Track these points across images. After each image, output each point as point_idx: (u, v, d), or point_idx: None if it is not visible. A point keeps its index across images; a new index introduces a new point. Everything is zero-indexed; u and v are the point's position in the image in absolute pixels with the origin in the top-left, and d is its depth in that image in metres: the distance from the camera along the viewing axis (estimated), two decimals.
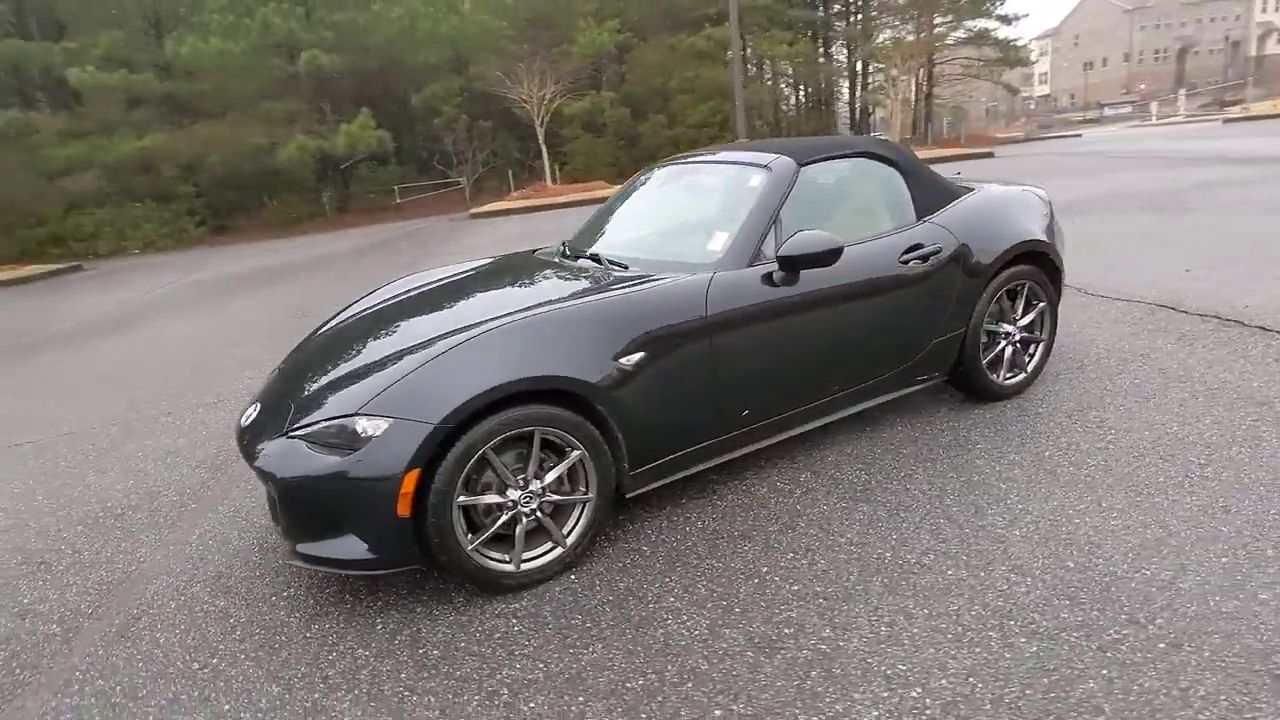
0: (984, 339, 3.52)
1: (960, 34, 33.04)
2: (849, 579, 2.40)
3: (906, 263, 3.20)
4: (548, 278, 3.25)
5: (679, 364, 2.70)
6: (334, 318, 3.55)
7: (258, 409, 2.77)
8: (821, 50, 34.46)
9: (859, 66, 34.18)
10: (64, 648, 2.50)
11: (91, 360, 7.09)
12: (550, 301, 2.74)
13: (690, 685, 2.01)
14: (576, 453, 2.54)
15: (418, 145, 27.51)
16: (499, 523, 2.48)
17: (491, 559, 2.48)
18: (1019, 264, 3.53)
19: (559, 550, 2.58)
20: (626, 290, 2.76)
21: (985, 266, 3.40)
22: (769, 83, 32.69)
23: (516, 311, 2.64)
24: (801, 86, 36.84)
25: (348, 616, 2.50)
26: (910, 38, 31.60)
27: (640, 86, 26.41)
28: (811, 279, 2.95)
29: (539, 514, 2.53)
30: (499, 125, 26.58)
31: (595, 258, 3.33)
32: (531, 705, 2.00)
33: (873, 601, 2.27)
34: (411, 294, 3.46)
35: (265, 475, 2.46)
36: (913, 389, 3.43)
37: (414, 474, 2.28)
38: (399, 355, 2.56)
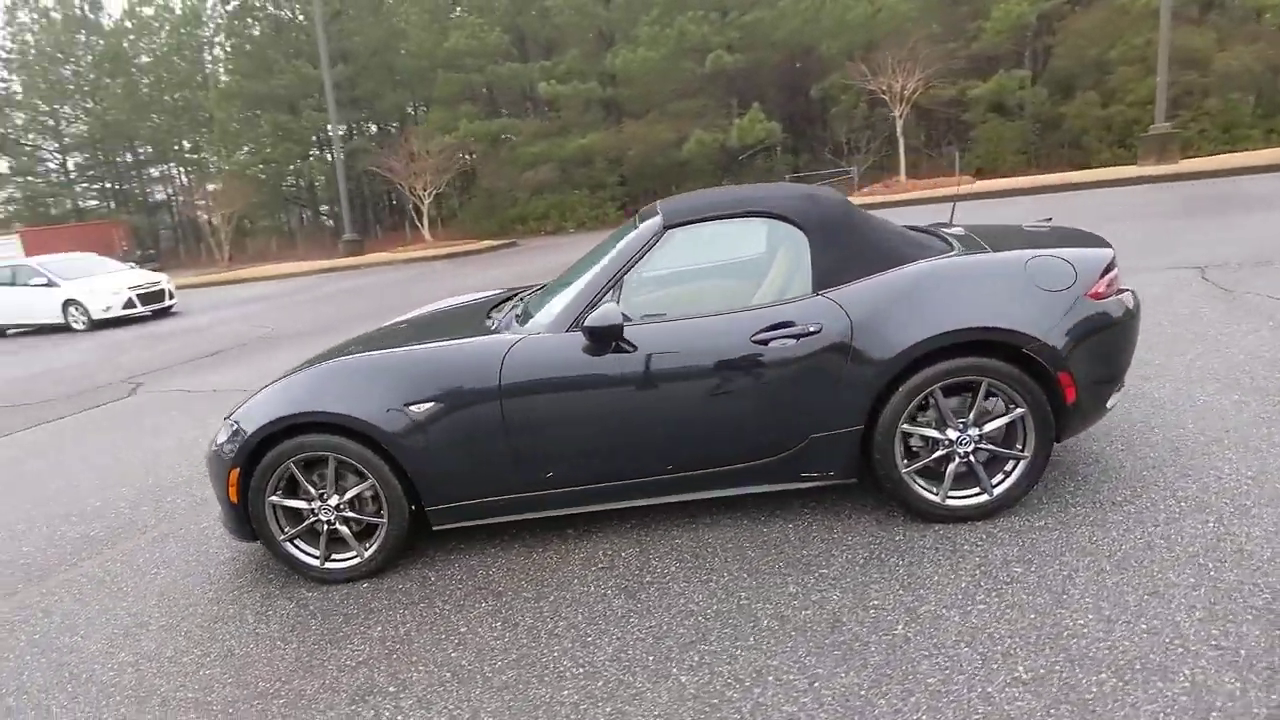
0: (919, 443, 2.87)
1: None
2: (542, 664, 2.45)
3: (766, 342, 2.81)
4: (452, 324, 3.59)
5: (470, 420, 2.94)
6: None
7: None
8: None
9: None
10: None
11: None
12: (385, 347, 3.18)
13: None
14: (369, 481, 2.99)
15: (814, 135, 27.83)
16: (303, 524, 3.07)
17: (303, 551, 3.10)
18: (963, 355, 2.77)
19: (358, 560, 3.07)
20: (435, 345, 3.06)
21: (889, 355, 2.76)
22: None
23: (350, 352, 3.17)
24: None
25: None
26: None
27: (1069, 60, 22.55)
28: (644, 352, 2.85)
29: (337, 525, 3.05)
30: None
31: (518, 308, 3.55)
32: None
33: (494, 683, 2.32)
34: (400, 321, 4.12)
35: None
36: (802, 485, 2.99)
37: (235, 471, 3.01)
38: (283, 376, 3.28)
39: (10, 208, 44.60)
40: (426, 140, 25.60)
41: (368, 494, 3.05)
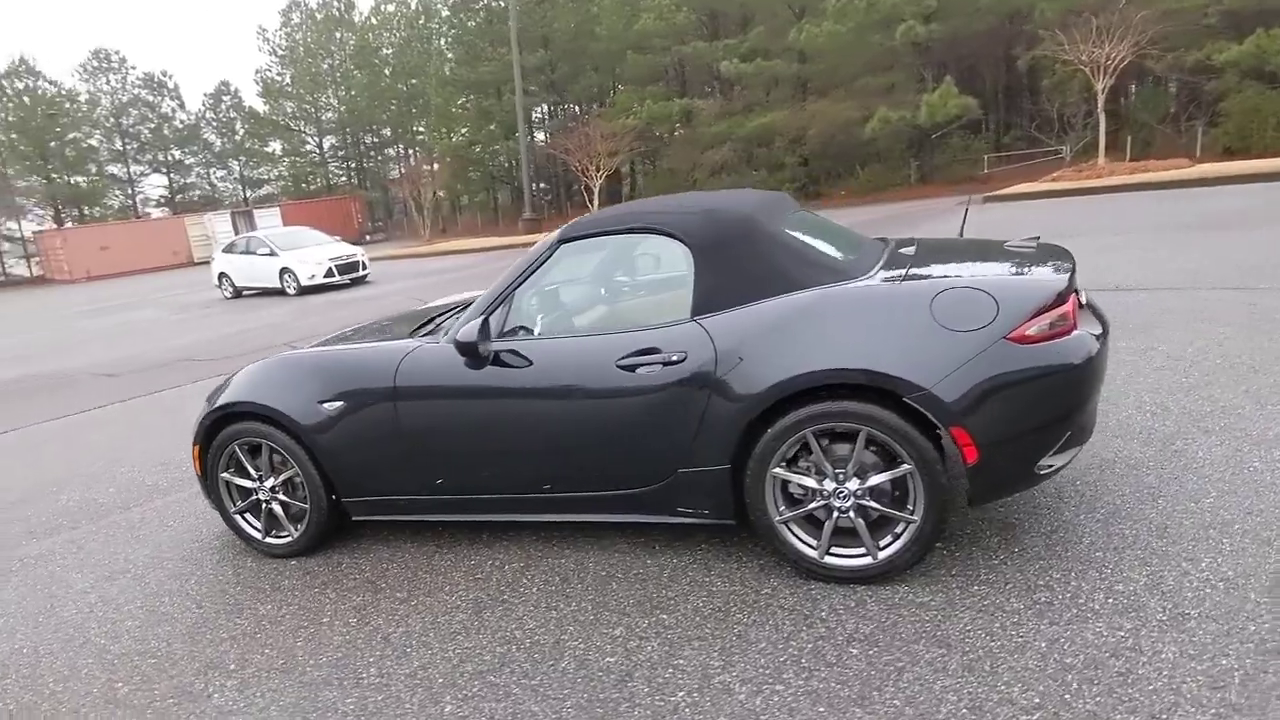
0: (800, 491, 2.61)
1: None
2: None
3: (633, 368, 2.68)
4: (396, 327, 3.76)
5: (370, 421, 3.11)
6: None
7: None
8: None
9: None
10: None
11: None
12: (320, 345, 3.41)
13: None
14: (292, 469, 3.26)
15: (1022, 111, 24.95)
16: (249, 500, 3.41)
17: (250, 525, 3.45)
18: (839, 398, 2.45)
19: (290, 539, 3.37)
20: (348, 348, 3.25)
21: (751, 392, 2.52)
22: None
23: (297, 349, 3.45)
24: None
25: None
26: None
27: None
28: (520, 369, 2.85)
29: (274, 505, 3.36)
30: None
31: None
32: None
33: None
34: (384, 319, 4.35)
35: None
36: (677, 520, 2.82)
37: (196, 448, 3.42)
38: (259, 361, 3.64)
39: (280, 184, 52.29)
40: (609, 122, 26.38)
41: (298, 480, 3.31)
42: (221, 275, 18.32)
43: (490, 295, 3.00)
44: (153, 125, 49.87)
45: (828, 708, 2.03)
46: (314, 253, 17.00)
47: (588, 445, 2.81)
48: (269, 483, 3.35)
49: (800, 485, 2.59)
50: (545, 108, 38.60)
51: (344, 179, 51.62)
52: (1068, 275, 2.60)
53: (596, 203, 24.57)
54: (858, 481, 2.51)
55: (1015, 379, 2.39)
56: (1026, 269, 2.71)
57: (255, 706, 2.36)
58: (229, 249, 18.69)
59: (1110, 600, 2.32)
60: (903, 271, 2.69)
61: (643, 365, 2.67)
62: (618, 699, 2.18)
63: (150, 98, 49.98)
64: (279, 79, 49.95)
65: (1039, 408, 2.45)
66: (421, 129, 46.19)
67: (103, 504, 4.38)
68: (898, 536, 2.53)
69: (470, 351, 2.84)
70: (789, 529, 2.63)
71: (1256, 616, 2.15)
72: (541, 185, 37.48)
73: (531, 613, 2.69)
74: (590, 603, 2.70)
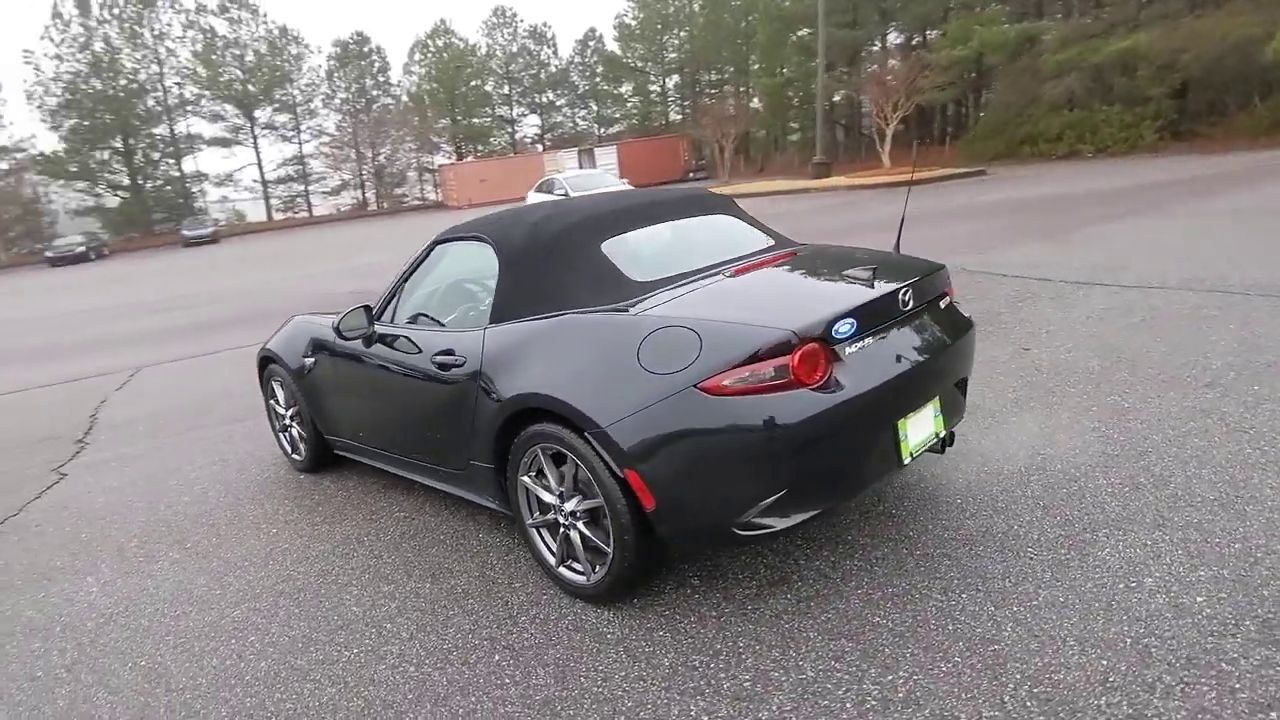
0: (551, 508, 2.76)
1: None
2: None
3: (441, 365, 2.99)
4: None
5: (321, 375, 3.86)
6: None
7: None
8: None
9: None
10: None
11: None
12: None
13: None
14: (295, 407, 4.17)
15: None
16: (280, 423, 4.42)
17: (290, 445, 4.48)
18: (544, 421, 2.53)
19: (300, 459, 4.32)
20: (323, 316, 3.97)
21: (494, 405, 2.69)
22: None
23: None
24: None
25: None
26: None
27: None
28: (384, 350, 3.35)
29: (292, 429, 4.32)
30: None
31: None
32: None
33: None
34: None
35: None
36: (490, 506, 3.10)
37: (257, 378, 4.52)
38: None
39: (628, 122, 56.77)
40: (935, 53, 23.99)
41: (301, 413, 4.20)
42: None
43: (390, 286, 3.48)
44: (533, 72, 57.33)
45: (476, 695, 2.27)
46: None
47: (413, 424, 3.21)
48: (288, 412, 4.29)
49: (538, 497, 2.71)
50: (878, 39, 36.08)
51: (679, 117, 54.23)
52: (826, 321, 2.27)
53: (888, 148, 22.80)
54: (575, 502, 2.56)
55: (701, 430, 2.23)
56: (796, 307, 2.41)
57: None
58: (539, 188, 21.33)
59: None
60: (668, 300, 2.57)
61: (445, 362, 2.96)
62: (346, 637, 2.64)
63: (533, 47, 57.35)
64: (632, 23, 53.67)
65: (732, 465, 2.24)
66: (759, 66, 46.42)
67: None
68: (605, 565, 2.54)
69: (341, 335, 3.37)
70: (538, 533, 2.77)
71: None
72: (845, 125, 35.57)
73: (327, 601, 2.98)
74: (388, 597, 2.94)
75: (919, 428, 2.56)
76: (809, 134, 40.92)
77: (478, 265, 3.13)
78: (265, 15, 51.92)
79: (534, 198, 20.86)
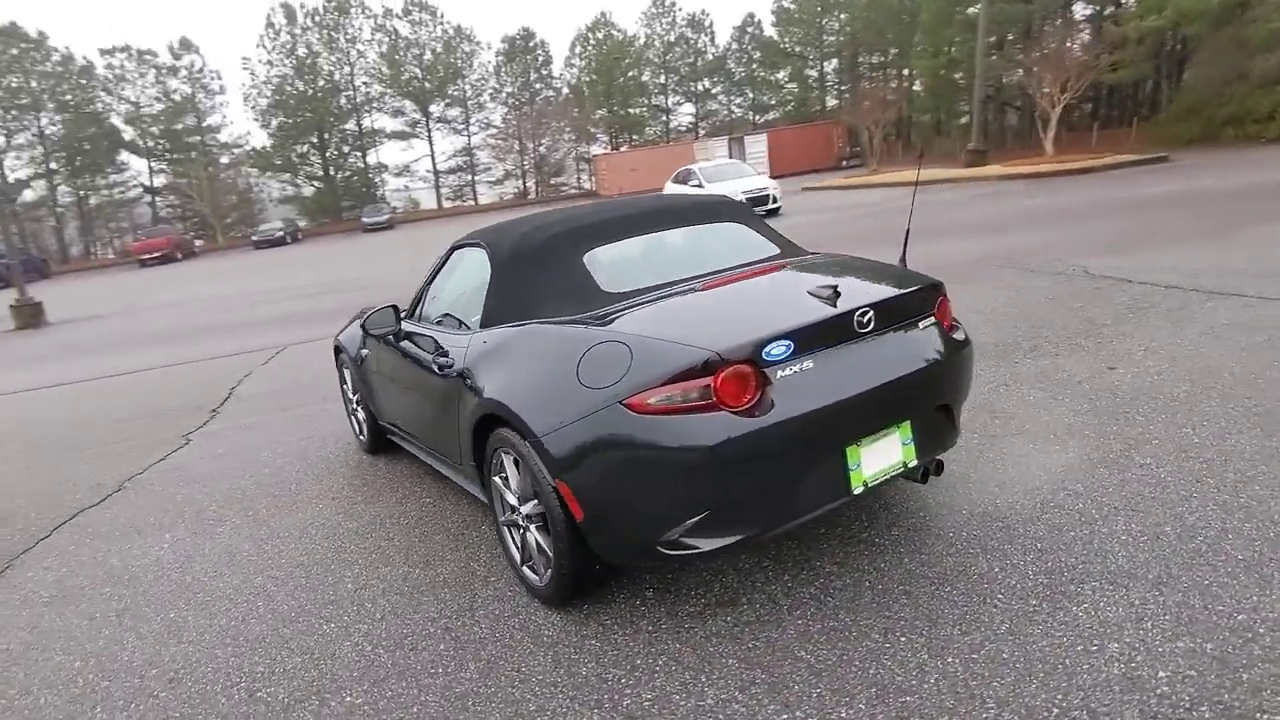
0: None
1: None
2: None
3: (441, 368, 3.18)
4: None
5: (368, 367, 4.18)
6: None
7: None
8: None
9: None
10: None
11: None
12: None
13: None
14: (358, 393, 4.56)
15: None
16: (350, 405, 4.85)
17: (354, 420, 4.91)
18: (505, 426, 2.63)
19: (364, 439, 4.72)
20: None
21: (469, 408, 2.83)
22: None
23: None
24: None
25: None
26: None
27: None
28: (408, 346, 3.60)
29: (357, 414, 4.73)
30: None
31: None
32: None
33: None
34: None
35: None
36: (484, 500, 3.27)
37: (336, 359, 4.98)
38: None
39: (783, 109, 55.56)
40: (1121, 26, 21.61)
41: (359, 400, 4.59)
42: None
43: (420, 288, 3.71)
44: (690, 60, 57.44)
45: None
46: (732, 185, 18.47)
47: (426, 417, 3.42)
48: (355, 398, 4.69)
49: (504, 497, 2.82)
50: (1060, 14, 32.88)
51: (836, 103, 52.32)
52: (755, 342, 2.20)
53: (1051, 133, 20.78)
54: (529, 506, 2.65)
55: (624, 446, 2.24)
56: (734, 326, 2.34)
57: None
58: (675, 178, 21.41)
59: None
60: (625, 313, 2.58)
61: (442, 363, 3.14)
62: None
63: (690, 35, 57.45)
64: (791, 6, 52.32)
65: (654, 483, 2.24)
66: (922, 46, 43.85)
67: None
68: (550, 569, 2.61)
69: (367, 332, 3.64)
70: (508, 532, 2.88)
71: None
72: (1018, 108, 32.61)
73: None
74: (395, 543, 3.37)
75: (877, 456, 2.42)
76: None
77: (480, 271, 3.28)
78: (442, 16, 54.76)
79: (670, 188, 20.99)
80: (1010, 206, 13.35)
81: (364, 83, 54.60)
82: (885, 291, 2.53)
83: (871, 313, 2.40)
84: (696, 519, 2.24)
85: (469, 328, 3.21)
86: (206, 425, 5.96)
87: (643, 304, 2.65)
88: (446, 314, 3.55)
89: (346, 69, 54.02)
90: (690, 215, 3.31)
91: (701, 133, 55.61)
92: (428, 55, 54.88)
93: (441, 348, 3.17)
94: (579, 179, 58.95)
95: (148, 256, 36.16)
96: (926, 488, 3.14)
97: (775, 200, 18.37)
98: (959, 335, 2.71)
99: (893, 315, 2.48)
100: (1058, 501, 2.91)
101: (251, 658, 2.65)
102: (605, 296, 2.77)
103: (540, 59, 58.19)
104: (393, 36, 54.36)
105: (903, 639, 2.24)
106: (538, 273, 2.90)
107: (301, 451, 4.91)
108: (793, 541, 2.88)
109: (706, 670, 2.24)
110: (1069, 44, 20.89)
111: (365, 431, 4.58)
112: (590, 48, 57.31)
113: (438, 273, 3.60)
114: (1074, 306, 5.74)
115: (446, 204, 56.87)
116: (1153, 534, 2.60)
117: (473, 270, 3.32)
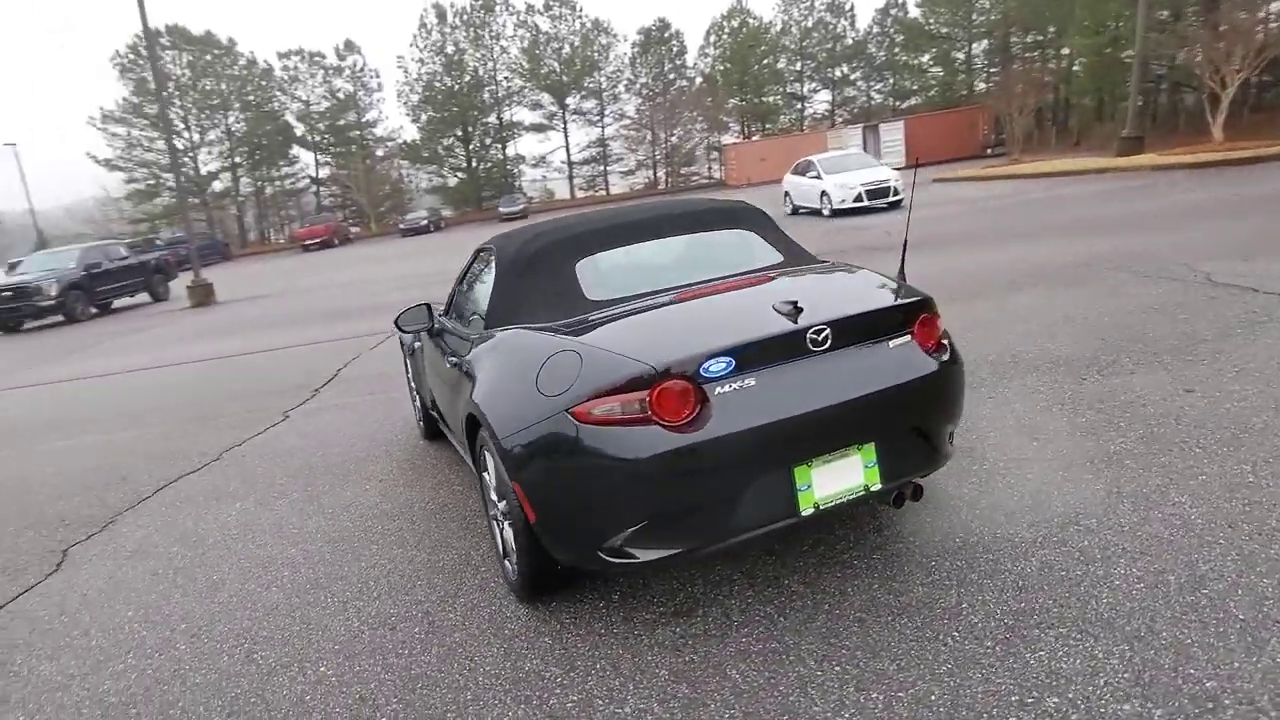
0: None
1: None
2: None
3: (454, 365, 3.36)
4: None
5: (420, 356, 4.47)
6: None
7: None
8: None
9: None
10: None
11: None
12: None
13: None
14: (414, 383, 4.89)
15: None
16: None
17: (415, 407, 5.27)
18: (480, 426, 2.78)
19: (419, 421, 5.06)
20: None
21: (461, 409, 3.00)
22: None
23: None
24: None
25: None
26: None
27: None
28: (440, 339, 3.83)
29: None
30: None
31: None
32: None
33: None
34: None
35: None
36: None
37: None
38: None
39: (927, 94, 52.71)
40: None
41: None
42: (786, 193, 20.81)
43: (452, 287, 3.92)
44: (828, 46, 55.68)
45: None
46: (851, 177, 17.86)
47: (452, 411, 3.61)
48: (414, 386, 5.02)
49: (488, 493, 2.96)
50: None
51: (985, 86, 48.97)
52: (694, 358, 2.20)
53: (1221, 117, 18.47)
54: (504, 504, 2.77)
55: (569, 454, 2.32)
56: (681, 340, 2.34)
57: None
58: (795, 170, 20.92)
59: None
60: (597, 322, 2.64)
61: (454, 361, 3.33)
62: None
63: (830, 20, 55.65)
64: None
65: (593, 491, 2.30)
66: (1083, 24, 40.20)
67: None
68: (516, 566, 2.72)
69: (400, 329, 3.88)
70: (497, 524, 3.02)
71: None
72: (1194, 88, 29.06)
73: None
74: (417, 527, 3.60)
75: (831, 478, 2.36)
76: (1143, 101, 34.73)
77: (489, 274, 3.45)
78: (581, 10, 55.93)
79: (790, 180, 20.58)
80: (1150, 201, 12.09)
81: (505, 77, 56.86)
82: (849, 308, 2.44)
83: (828, 330, 2.33)
84: (634, 529, 2.28)
85: (478, 328, 3.38)
86: (305, 403, 6.54)
87: (615, 314, 2.70)
88: (473, 313, 3.75)
89: (490, 64, 56.45)
90: (697, 222, 3.31)
91: (838, 121, 53.85)
92: (566, 49, 56.31)
93: (457, 345, 3.36)
94: (709, 168, 58.73)
95: (310, 242, 39.58)
96: (926, 513, 2.99)
97: (897, 193, 17.56)
98: (944, 355, 2.57)
99: (855, 333, 2.40)
100: (1063, 537, 2.70)
101: (262, 622, 2.95)
102: (586, 304, 2.84)
103: (675, 49, 58.23)
104: (533, 31, 56.19)
105: (836, 669, 2.19)
106: (532, 278, 3.02)
107: (372, 434, 5.31)
108: (771, 557, 2.85)
109: (636, 679, 2.28)
110: (1255, 14, 18.38)
111: (422, 418, 4.88)
112: (725, 36, 56.77)
113: (465, 273, 3.80)
114: (1178, 318, 5.18)
115: (580, 194, 58.34)
116: (1152, 581, 2.37)
117: (486, 273, 3.48)
